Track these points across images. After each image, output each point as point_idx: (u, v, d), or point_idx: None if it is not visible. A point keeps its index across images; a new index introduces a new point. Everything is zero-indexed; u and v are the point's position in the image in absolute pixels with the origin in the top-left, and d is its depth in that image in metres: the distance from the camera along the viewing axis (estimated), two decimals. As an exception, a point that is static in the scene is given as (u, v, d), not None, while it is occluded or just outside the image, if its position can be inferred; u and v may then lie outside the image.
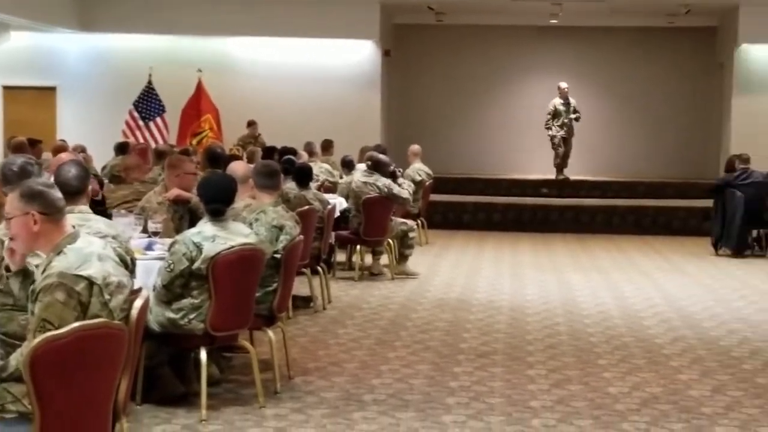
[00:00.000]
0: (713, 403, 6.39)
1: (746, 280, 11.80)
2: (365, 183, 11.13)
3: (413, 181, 13.68)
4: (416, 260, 11.75)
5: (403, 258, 11.40)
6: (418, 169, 14.58)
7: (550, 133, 18.68)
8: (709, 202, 15.07)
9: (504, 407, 6.21)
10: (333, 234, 10.49)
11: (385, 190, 11.07)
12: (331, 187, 12.66)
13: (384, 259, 11.59)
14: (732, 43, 18.85)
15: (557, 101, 18.57)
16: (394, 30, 20.80)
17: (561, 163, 18.89)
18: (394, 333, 8.37)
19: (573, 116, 18.49)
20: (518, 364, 7.33)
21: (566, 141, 18.68)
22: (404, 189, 11.59)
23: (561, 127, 18.52)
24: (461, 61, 21.59)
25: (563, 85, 18.57)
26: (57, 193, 4.11)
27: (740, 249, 13.94)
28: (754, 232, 14.51)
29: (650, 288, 11.04)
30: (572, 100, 18.54)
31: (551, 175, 18.96)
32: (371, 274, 11.46)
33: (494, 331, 8.51)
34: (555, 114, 18.58)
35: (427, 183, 14.69)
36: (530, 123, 21.23)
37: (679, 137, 21.07)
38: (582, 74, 21.37)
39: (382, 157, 11.65)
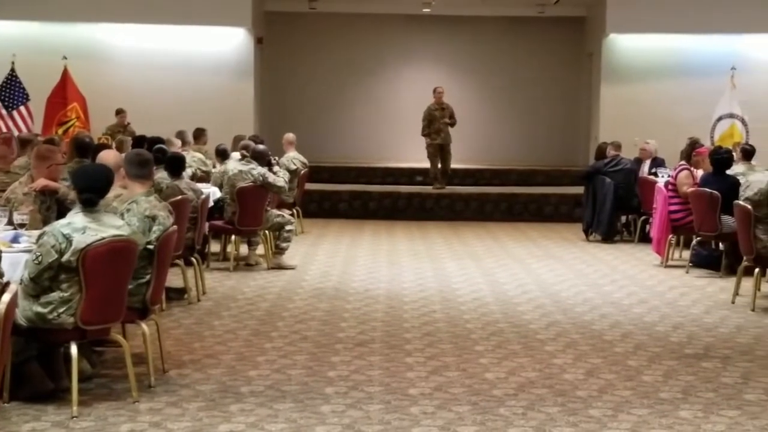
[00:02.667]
0: (587, 386, 6.49)
1: (616, 265, 12.07)
2: (240, 172, 10.98)
3: (288, 170, 13.58)
4: (292, 250, 11.65)
5: (279, 251, 11.28)
6: (293, 157, 14.49)
7: (427, 140, 17.57)
8: (579, 189, 15.37)
9: (382, 395, 6.19)
10: (207, 224, 10.35)
11: (260, 179, 10.95)
12: (204, 177, 12.48)
13: (260, 249, 11.46)
14: (600, 33, 19.27)
15: (432, 106, 17.66)
16: (267, 17, 20.62)
17: (437, 176, 17.72)
18: (270, 324, 8.27)
19: (448, 121, 17.51)
20: (396, 352, 7.33)
21: (443, 148, 17.63)
22: (280, 178, 11.48)
23: (437, 133, 17.51)
24: (335, 49, 21.55)
25: (439, 88, 17.78)
26: None
27: (610, 235, 14.24)
28: (624, 218, 14.88)
29: (524, 274, 11.19)
30: (448, 104, 17.67)
31: (426, 163, 19.03)
32: (247, 264, 11.32)
33: (371, 320, 8.50)
34: (430, 120, 17.61)
35: (302, 172, 14.60)
36: (404, 111, 21.32)
37: (550, 125, 21.46)
38: (454, 63, 21.59)
39: (260, 147, 11.53)
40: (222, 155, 12.80)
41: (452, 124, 17.69)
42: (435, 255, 12.68)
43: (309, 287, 10.08)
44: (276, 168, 11.95)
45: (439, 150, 17.71)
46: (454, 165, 19.57)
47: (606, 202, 14.13)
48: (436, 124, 17.55)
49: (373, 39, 21.66)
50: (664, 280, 10.92)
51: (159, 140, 12.01)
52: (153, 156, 8.45)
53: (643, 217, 14.03)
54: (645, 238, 13.56)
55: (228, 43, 19.08)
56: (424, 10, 20.17)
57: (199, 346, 7.43)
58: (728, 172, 11.34)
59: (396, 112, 21.53)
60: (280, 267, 11.16)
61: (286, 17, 21.15)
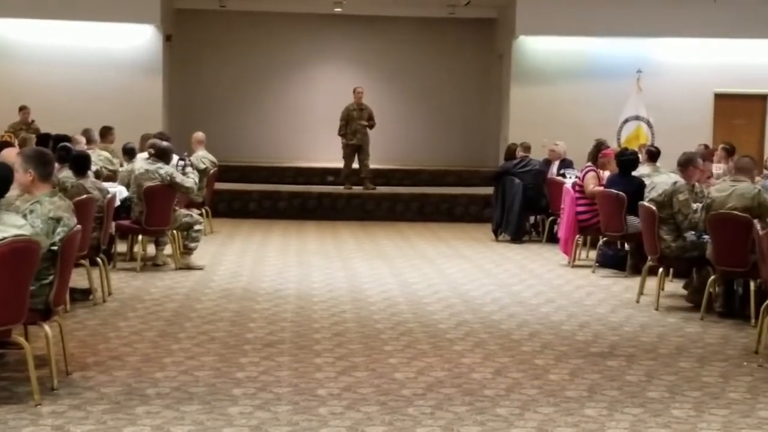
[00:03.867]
0: (495, 385, 6.53)
1: (525, 264, 12.19)
2: (147, 171, 10.83)
3: (197, 169, 13.41)
4: (201, 250, 11.52)
5: (187, 251, 11.14)
6: (202, 156, 14.34)
7: (344, 141, 17.68)
8: (489, 190, 15.52)
9: (291, 396, 6.15)
10: (113, 224, 10.18)
11: (168, 178, 10.81)
12: (111, 176, 12.27)
13: (168, 250, 11.31)
14: (510, 35, 19.46)
15: (350, 106, 17.65)
16: (177, 14, 20.40)
17: (362, 175, 17.78)
18: (178, 325, 8.16)
19: (365, 123, 17.57)
20: (305, 353, 7.28)
21: (360, 149, 17.67)
22: (189, 178, 11.33)
23: (354, 134, 17.53)
24: (245, 48, 21.41)
25: (359, 88, 17.79)
26: None
27: (519, 235, 14.39)
28: (532, 219, 15.05)
29: (434, 274, 11.23)
30: (367, 105, 17.69)
31: (337, 163, 19.00)
32: (154, 265, 11.17)
33: (281, 320, 8.44)
34: (348, 120, 17.63)
35: (212, 171, 14.46)
36: (316, 111, 21.34)
37: (461, 126, 21.61)
38: (366, 63, 21.62)
39: (164, 144, 11.37)
40: (129, 154, 12.61)
41: (371, 126, 17.67)
42: (345, 255, 12.66)
43: (217, 288, 9.98)
44: (188, 169, 11.81)
45: (356, 151, 17.66)
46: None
47: (515, 202, 14.27)
48: (354, 124, 17.53)
49: (285, 38, 21.56)
50: (571, 279, 11.06)
51: (64, 138, 11.78)
52: (57, 154, 8.31)
53: (551, 218, 14.21)
54: (553, 239, 13.73)
55: (136, 40, 18.82)
56: (336, 9, 20.15)
57: (104, 347, 7.30)
58: (634, 173, 11.55)
59: (307, 111, 21.48)
60: (189, 267, 11.02)
61: (197, 14, 20.95)
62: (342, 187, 17.78)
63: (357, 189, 17.75)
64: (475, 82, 21.76)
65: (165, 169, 10.86)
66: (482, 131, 21.62)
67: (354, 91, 17.79)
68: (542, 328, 8.38)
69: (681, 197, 9.29)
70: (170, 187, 10.84)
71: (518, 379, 6.70)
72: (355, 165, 17.90)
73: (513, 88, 19.44)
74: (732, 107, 19.55)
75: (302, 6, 20.78)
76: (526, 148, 14.82)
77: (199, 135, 14.86)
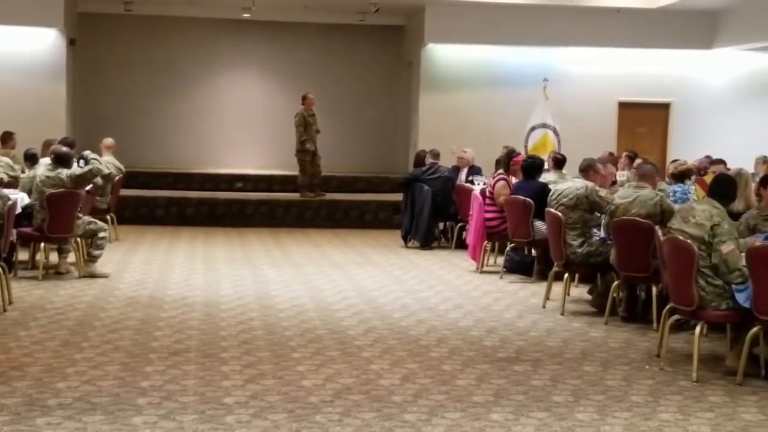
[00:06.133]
0: (403, 391, 6.53)
1: (433, 270, 12.25)
2: (48, 177, 10.62)
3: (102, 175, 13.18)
4: (105, 258, 11.34)
5: (91, 258, 10.95)
6: (107, 162, 14.08)
7: (303, 147, 17.31)
8: (399, 196, 15.55)
9: (197, 405, 6.06)
10: (14, 231, 9.94)
11: (72, 176, 10.62)
12: (12, 182, 12.01)
13: (71, 257, 11.10)
14: (419, 43, 19.55)
15: (305, 112, 17.43)
16: (81, 18, 20.03)
17: (312, 181, 17.68)
18: (81, 334, 8.01)
19: (318, 128, 17.51)
20: (212, 361, 7.20)
21: (315, 155, 17.53)
22: (90, 164, 10.93)
23: (311, 140, 17.35)
24: (152, 53, 21.13)
25: (310, 94, 17.64)
26: None
27: (428, 241, 14.46)
28: (441, 225, 15.13)
29: (343, 280, 11.22)
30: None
31: (246, 169, 18.86)
32: (57, 273, 10.95)
33: (187, 328, 8.34)
34: (306, 126, 17.32)
35: (118, 177, 14.24)
36: (224, 117, 21.19)
37: (371, 133, 21.62)
38: (275, 69, 21.52)
39: (63, 149, 11.13)
40: (31, 160, 12.31)
41: (318, 131, 17.70)
42: (254, 262, 12.58)
43: (123, 296, 9.82)
44: (86, 153, 11.30)
45: (312, 157, 17.57)
46: (275, 171, 19.57)
47: (424, 209, 14.34)
48: (310, 130, 17.43)
49: (193, 43, 21.34)
50: (479, 285, 11.15)
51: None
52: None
53: (459, 224, 14.30)
54: (461, 245, 13.79)
55: (39, 44, 18.43)
56: (244, 15, 20.00)
57: (4, 358, 7.12)
58: (541, 180, 11.69)
59: (216, 117, 21.30)
60: (93, 275, 10.83)
61: (101, 19, 20.61)
62: (298, 195, 17.62)
63: (265, 195, 17.63)
64: (385, 89, 21.81)
65: (66, 172, 10.65)
66: (391, 138, 21.67)
67: (305, 97, 17.66)
68: (450, 333, 8.42)
69: (599, 194, 9.56)
70: (74, 193, 10.62)
71: (426, 384, 6.71)
72: None
73: (422, 95, 19.53)
74: (635, 115, 19.94)
75: (210, 11, 20.59)
76: (435, 155, 14.91)
77: (108, 141, 14.65)
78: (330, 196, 18.10)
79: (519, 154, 13.49)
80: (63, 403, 6.04)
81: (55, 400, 6.08)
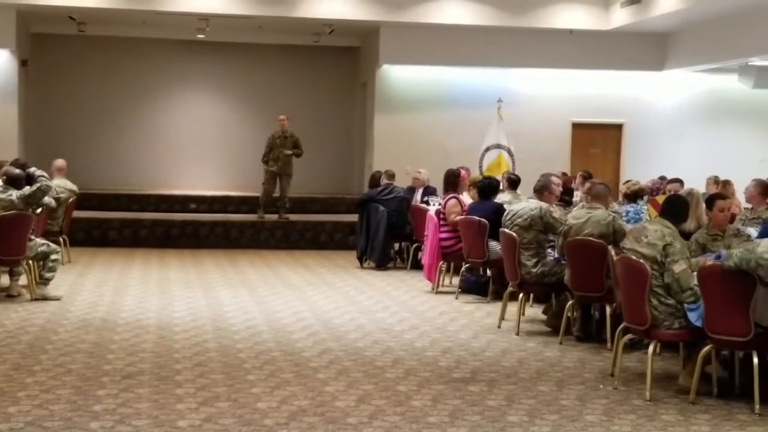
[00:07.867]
0: (358, 412, 6.51)
1: (389, 291, 12.24)
2: (-1, 200, 10.51)
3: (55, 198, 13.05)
4: (58, 280, 11.22)
5: (43, 281, 10.83)
6: (58, 185, 13.93)
7: (265, 167, 17.47)
8: (354, 217, 15.55)
9: (151, 429, 6.00)
10: (-35, 253, 9.82)
11: (19, 201, 10.49)
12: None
13: (23, 280, 10.97)
14: (374, 64, 19.61)
15: (275, 134, 17.50)
16: (33, 39, 19.88)
17: (267, 204, 17.66)
18: (32, 357, 7.90)
19: (289, 152, 17.37)
20: (166, 384, 7.14)
21: (280, 177, 17.44)
22: (37, 183, 10.82)
23: (275, 161, 17.28)
24: (106, 74, 21.02)
25: (282, 116, 17.68)
26: None
27: (383, 262, 14.46)
28: (397, 245, 15.14)
29: (298, 302, 11.18)
30: (293, 133, 17.58)
31: (201, 190, 18.76)
32: (8, 295, 10.82)
33: (141, 351, 8.26)
34: (271, 147, 17.40)
35: (71, 199, 14.11)
36: (179, 138, 21.12)
37: (326, 153, 21.61)
38: (229, 90, 21.49)
39: (15, 171, 11.00)
40: (-18, 182, 12.18)
41: (297, 155, 17.58)
42: (208, 284, 12.50)
43: (75, 318, 9.71)
44: (32, 170, 11.18)
45: (275, 178, 17.48)
46: (229, 192, 19.48)
47: (379, 229, 14.35)
48: (275, 152, 17.36)
49: (146, 64, 21.25)
50: (434, 305, 11.15)
51: None
52: None
53: (415, 245, 14.32)
54: (417, 265, 13.81)
55: (-10, 64, 18.28)
56: (199, 36, 19.95)
57: (-47, 382, 7.01)
58: (496, 200, 11.74)
59: (170, 138, 21.21)
60: (45, 298, 10.70)
61: (54, 39, 20.46)
62: (255, 215, 17.58)
63: (220, 216, 17.55)
64: (340, 110, 21.84)
65: (16, 193, 10.54)
66: (347, 159, 21.70)
67: (278, 119, 17.67)
68: (406, 354, 8.41)
69: (553, 215, 9.62)
70: (25, 216, 10.50)
71: (381, 406, 6.70)
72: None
73: (377, 116, 19.58)
74: (589, 136, 20.13)
75: (164, 32, 20.52)
76: (390, 176, 14.94)
77: (59, 162, 14.51)
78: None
79: (461, 169, 13.40)
80: (14, 427, 5.95)
81: (6, 425, 5.99)
